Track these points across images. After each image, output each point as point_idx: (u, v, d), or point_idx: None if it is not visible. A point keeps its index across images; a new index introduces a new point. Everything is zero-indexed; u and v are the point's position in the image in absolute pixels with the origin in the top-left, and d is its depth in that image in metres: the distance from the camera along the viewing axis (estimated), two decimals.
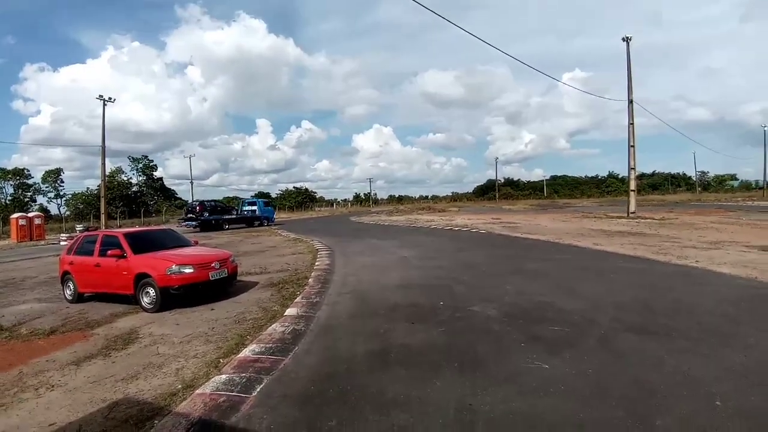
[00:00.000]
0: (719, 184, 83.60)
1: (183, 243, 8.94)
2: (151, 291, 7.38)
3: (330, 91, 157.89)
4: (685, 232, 16.73)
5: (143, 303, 7.47)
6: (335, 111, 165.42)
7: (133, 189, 70.42)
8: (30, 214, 35.49)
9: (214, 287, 7.91)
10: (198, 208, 32.13)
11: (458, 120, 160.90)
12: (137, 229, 9.31)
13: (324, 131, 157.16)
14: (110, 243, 8.08)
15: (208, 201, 35.09)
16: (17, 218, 32.40)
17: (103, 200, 35.57)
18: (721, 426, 3.12)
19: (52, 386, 4.51)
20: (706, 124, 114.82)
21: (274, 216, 38.20)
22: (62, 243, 26.89)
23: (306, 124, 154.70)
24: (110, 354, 5.37)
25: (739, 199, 54.76)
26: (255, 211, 35.80)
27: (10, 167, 65.91)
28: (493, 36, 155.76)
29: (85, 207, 59.60)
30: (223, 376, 4.36)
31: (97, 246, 8.28)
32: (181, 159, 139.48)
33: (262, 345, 5.27)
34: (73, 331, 6.60)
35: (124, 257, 7.75)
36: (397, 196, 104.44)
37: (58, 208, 68.30)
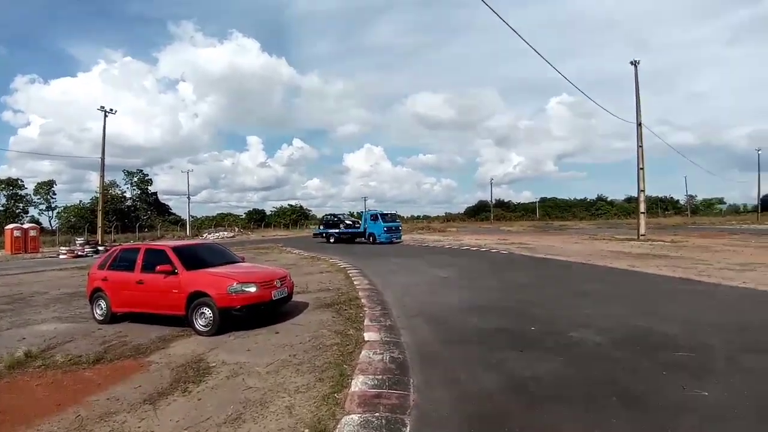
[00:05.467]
0: (707, 207, 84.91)
1: (232, 259, 8.16)
2: (208, 312, 6.59)
3: (322, 110, 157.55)
4: (707, 255, 16.56)
5: (197, 325, 6.65)
6: (327, 130, 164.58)
7: (127, 203, 68.29)
8: (25, 226, 33.99)
9: (274, 308, 7.17)
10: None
11: (448, 141, 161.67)
12: (184, 242, 8.47)
13: (315, 150, 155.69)
14: (156, 257, 7.25)
15: (329, 215, 35.31)
16: (12, 229, 30.85)
17: (100, 213, 34.18)
18: None
19: None
20: (691, 148, 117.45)
21: (384, 233, 28.27)
22: (61, 256, 25.71)
23: (297, 142, 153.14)
24: (189, 389, 4.56)
25: (734, 222, 55.29)
26: (358, 226, 31.08)
27: None
28: (482, 57, 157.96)
29: (77, 220, 57.53)
30: (355, 417, 3.65)
31: (139, 261, 7.44)
32: (171, 174, 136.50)
33: (370, 376, 4.57)
34: (123, 359, 5.70)
35: (175, 273, 6.95)
36: None
37: (49, 221, 65.76)
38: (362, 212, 37.25)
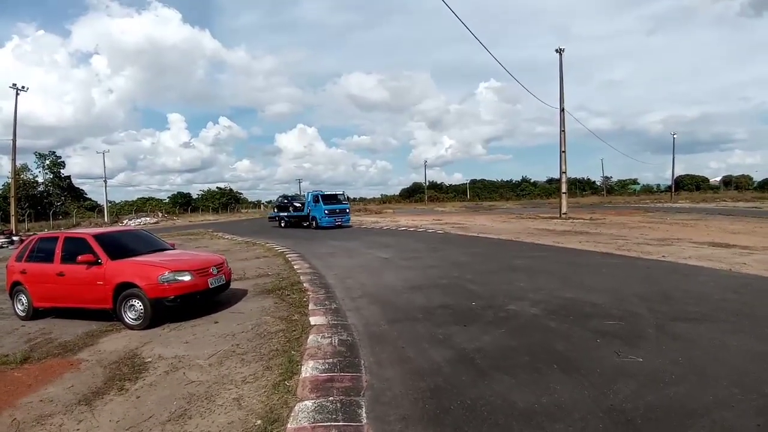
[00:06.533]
0: (622, 187, 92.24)
1: (161, 246, 7.59)
2: (138, 304, 6.10)
3: (250, 88, 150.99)
4: (625, 231, 18.02)
5: (127, 319, 6.16)
6: (256, 109, 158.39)
7: (39, 189, 60.87)
8: None
9: (211, 296, 6.81)
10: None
11: (382, 123, 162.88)
12: (107, 229, 7.78)
13: (244, 129, 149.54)
14: (77, 247, 6.59)
15: (282, 197, 32.94)
16: None
17: (13, 200, 30.70)
18: None
19: None
20: (608, 133, 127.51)
21: (326, 216, 25.73)
22: None
23: (224, 120, 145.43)
24: (125, 387, 4.23)
25: (648, 201, 58.76)
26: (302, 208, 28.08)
27: None
28: (414, 40, 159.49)
29: None
30: (309, 403, 3.58)
31: (59, 251, 6.74)
32: (84, 156, 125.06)
33: (320, 361, 4.51)
34: (51, 358, 5.23)
35: (99, 264, 6.35)
36: None
37: None
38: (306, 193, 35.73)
